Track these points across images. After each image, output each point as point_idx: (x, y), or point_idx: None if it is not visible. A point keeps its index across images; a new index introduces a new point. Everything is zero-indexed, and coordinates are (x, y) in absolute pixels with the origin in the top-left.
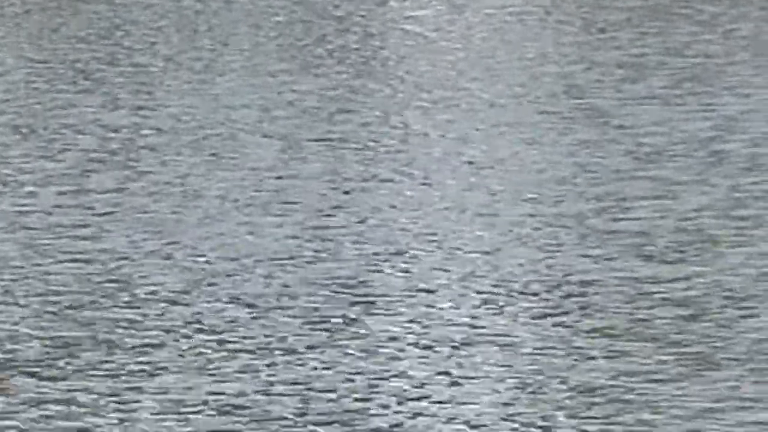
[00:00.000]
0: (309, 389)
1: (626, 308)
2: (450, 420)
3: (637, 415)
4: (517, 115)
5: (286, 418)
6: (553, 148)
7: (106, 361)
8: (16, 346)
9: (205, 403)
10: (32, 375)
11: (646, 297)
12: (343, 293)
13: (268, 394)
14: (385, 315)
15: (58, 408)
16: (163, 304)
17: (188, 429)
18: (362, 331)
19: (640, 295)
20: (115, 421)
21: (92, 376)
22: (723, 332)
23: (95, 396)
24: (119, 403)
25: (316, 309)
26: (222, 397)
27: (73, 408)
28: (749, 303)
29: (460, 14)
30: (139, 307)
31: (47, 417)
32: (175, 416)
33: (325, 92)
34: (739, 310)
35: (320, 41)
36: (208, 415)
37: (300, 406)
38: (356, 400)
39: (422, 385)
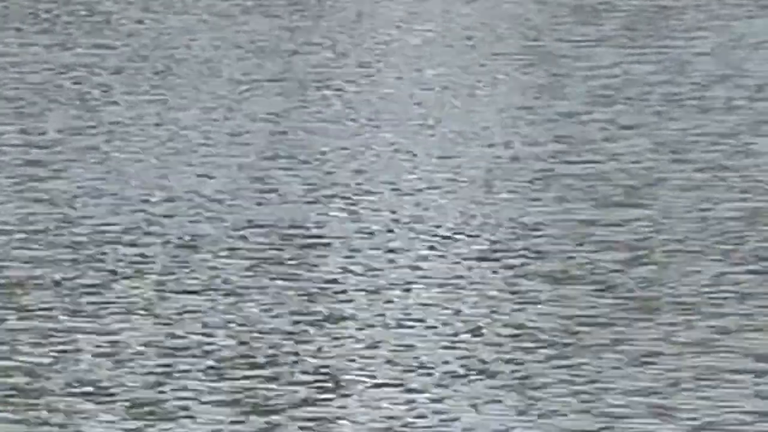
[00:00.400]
0: (249, 331)
1: (571, 251)
2: (390, 362)
3: (576, 359)
4: (469, 57)
5: (225, 359)
6: (505, 90)
7: (50, 302)
8: None
9: (147, 344)
10: None
11: (591, 240)
12: (288, 234)
13: (208, 336)
14: (329, 257)
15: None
16: (108, 245)
17: (128, 369)
18: (306, 274)
19: (585, 238)
20: (53, 360)
21: (35, 316)
22: (664, 276)
23: (36, 335)
24: (60, 343)
25: (259, 250)
26: (162, 338)
27: (14, 347)
28: (692, 247)
29: None
30: (85, 248)
31: None
32: (115, 357)
33: (277, 33)
34: (681, 255)
35: None
36: (150, 356)
37: (239, 347)
38: (297, 342)
39: (365, 327)
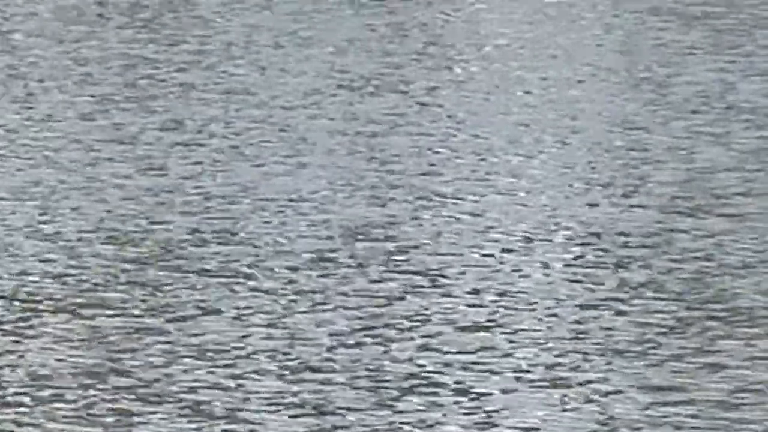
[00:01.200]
0: (314, 335)
1: (651, 259)
2: (456, 367)
3: (646, 369)
4: (557, 65)
5: (291, 362)
6: (589, 94)
7: (124, 299)
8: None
9: (214, 343)
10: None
11: (672, 249)
12: (372, 236)
13: (272, 338)
14: (411, 260)
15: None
16: (191, 244)
17: (190, 370)
18: (387, 275)
19: (666, 246)
20: (115, 359)
21: (107, 314)
22: (742, 287)
23: (102, 333)
24: (125, 341)
25: (340, 250)
26: (230, 339)
27: (77, 345)
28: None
29: None
30: (167, 247)
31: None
32: (177, 358)
33: (364, 31)
34: (760, 266)
35: None
36: (215, 357)
37: (305, 349)
38: (362, 346)
39: (435, 335)
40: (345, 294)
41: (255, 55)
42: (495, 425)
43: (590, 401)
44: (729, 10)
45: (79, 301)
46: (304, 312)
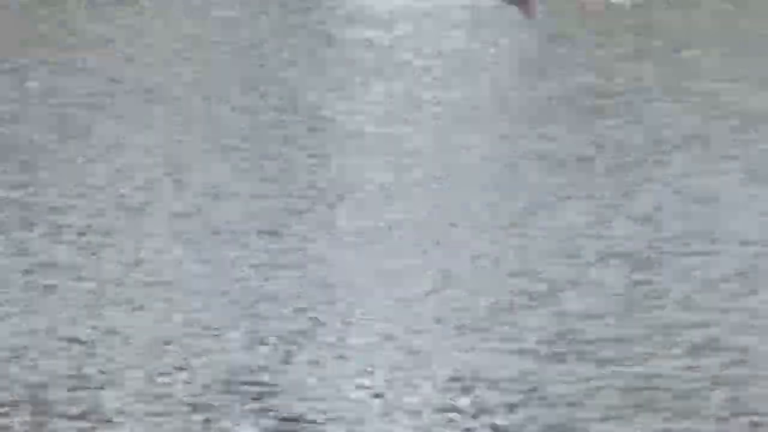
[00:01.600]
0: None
1: (516, 405)
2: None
3: None
4: (430, 207)
5: None
6: (461, 237)
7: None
8: None
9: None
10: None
11: (538, 396)
12: (238, 381)
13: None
14: (282, 402)
15: None
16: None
17: None
18: (244, 423)
19: (532, 392)
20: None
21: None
22: None
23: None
24: None
25: (198, 395)
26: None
27: None
28: (635, 402)
29: None
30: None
31: None
32: None
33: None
34: (620, 419)
35: None
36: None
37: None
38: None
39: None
40: None
41: (122, 199)
42: None
43: None
44: (599, 154)
45: None
46: None
